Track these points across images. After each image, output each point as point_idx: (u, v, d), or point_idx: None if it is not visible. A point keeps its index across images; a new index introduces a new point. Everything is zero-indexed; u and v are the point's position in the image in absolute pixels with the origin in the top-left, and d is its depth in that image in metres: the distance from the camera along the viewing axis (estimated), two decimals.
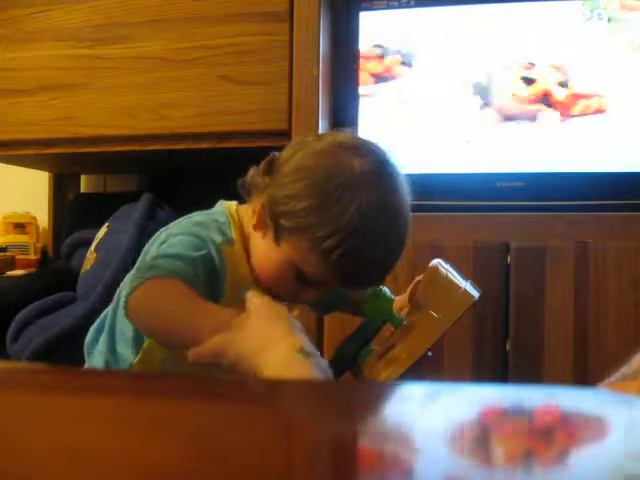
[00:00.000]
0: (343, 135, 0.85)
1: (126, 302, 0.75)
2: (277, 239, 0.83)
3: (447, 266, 0.96)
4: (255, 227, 0.86)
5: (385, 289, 0.97)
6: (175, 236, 0.83)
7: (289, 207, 0.80)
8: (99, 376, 0.55)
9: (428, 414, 0.38)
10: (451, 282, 0.92)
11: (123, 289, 0.86)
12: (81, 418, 0.35)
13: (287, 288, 0.85)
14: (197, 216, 0.89)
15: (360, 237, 0.78)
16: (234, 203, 0.91)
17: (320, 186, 0.79)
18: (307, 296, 0.87)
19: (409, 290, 0.97)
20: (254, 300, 0.71)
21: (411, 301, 0.94)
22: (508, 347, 1.35)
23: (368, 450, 0.31)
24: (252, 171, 0.87)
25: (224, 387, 0.46)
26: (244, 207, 0.90)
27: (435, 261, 0.96)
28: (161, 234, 0.87)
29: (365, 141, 0.86)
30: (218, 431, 0.34)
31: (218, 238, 0.85)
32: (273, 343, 0.67)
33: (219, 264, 0.83)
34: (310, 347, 0.68)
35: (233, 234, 0.87)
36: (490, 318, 1.36)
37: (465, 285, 0.92)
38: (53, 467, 0.27)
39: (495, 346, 1.36)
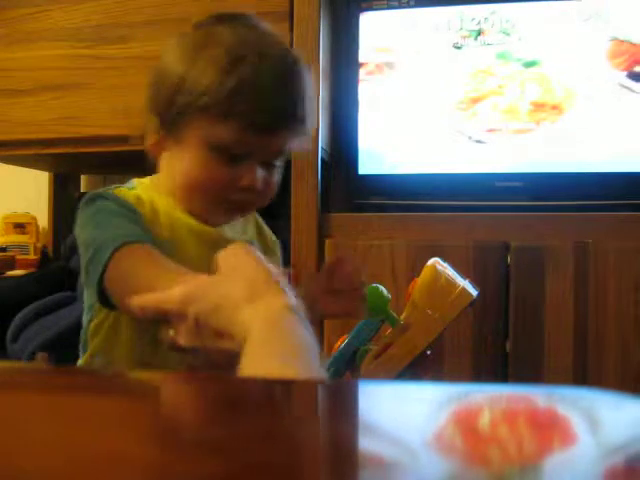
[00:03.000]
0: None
1: (100, 285, 0.72)
2: (177, 136, 0.80)
3: (445, 265, 0.96)
4: (154, 151, 0.84)
5: (382, 288, 0.96)
6: (93, 215, 0.78)
7: (167, 90, 0.79)
8: (99, 376, 0.55)
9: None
10: (448, 281, 0.92)
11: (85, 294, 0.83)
12: (81, 418, 0.35)
13: (221, 179, 0.79)
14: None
15: (237, 67, 0.75)
16: None
17: (180, 53, 0.79)
18: (246, 178, 0.79)
19: (408, 290, 0.97)
20: (221, 252, 0.65)
21: (408, 300, 0.94)
22: (508, 347, 1.35)
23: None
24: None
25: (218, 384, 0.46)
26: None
27: (432, 260, 0.96)
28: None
29: None
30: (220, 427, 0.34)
31: (110, 188, 0.82)
32: (258, 295, 0.59)
33: (123, 202, 0.79)
34: (297, 302, 0.60)
35: (134, 184, 0.85)
36: (490, 318, 1.36)
37: (462, 284, 0.92)
38: (53, 467, 0.27)
39: (495, 346, 1.36)
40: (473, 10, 1.48)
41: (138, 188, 0.84)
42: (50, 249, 2.02)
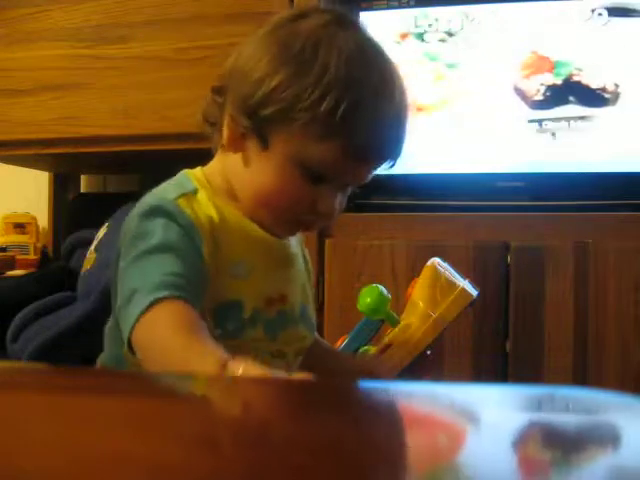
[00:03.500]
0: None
1: (129, 340, 0.66)
2: (264, 141, 0.72)
3: (445, 265, 0.96)
4: (230, 147, 0.75)
5: (382, 288, 0.96)
6: (142, 237, 0.71)
7: (263, 90, 0.70)
8: (99, 376, 0.55)
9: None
10: (448, 281, 0.92)
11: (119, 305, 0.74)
12: (81, 418, 0.35)
13: (299, 199, 0.73)
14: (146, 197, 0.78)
15: (356, 86, 0.69)
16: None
17: (287, 52, 0.70)
18: (325, 204, 0.74)
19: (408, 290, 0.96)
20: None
21: (408, 300, 0.94)
22: (508, 347, 1.35)
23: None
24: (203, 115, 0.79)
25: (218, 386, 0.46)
26: (209, 164, 0.80)
27: (432, 260, 0.96)
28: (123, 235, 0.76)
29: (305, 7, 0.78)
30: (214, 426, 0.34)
31: (171, 195, 0.74)
32: None
33: (184, 221, 0.71)
34: None
35: (194, 184, 0.76)
36: (490, 318, 1.36)
37: (463, 284, 0.92)
38: (54, 467, 0.27)
39: (495, 346, 1.36)
40: (473, 10, 1.48)
41: (200, 192, 0.76)
42: (50, 249, 2.02)
